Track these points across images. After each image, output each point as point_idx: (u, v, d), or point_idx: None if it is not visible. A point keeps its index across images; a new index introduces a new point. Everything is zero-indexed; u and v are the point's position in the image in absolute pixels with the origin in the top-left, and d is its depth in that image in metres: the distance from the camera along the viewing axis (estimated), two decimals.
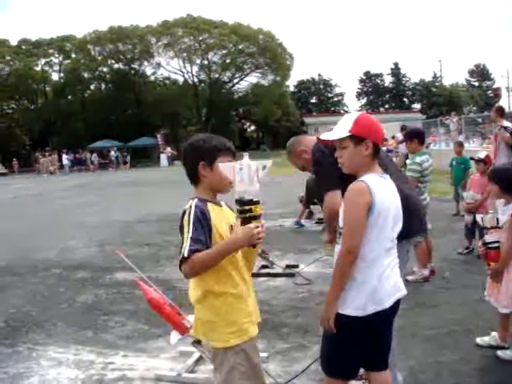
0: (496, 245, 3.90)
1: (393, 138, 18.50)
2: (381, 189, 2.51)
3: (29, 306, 6.01)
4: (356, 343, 2.59)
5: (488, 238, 3.97)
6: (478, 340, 4.22)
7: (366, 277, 2.52)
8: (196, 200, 2.43)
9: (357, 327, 2.54)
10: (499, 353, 4.01)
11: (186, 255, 2.30)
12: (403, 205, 2.87)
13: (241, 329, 2.46)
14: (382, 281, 2.53)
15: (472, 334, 4.45)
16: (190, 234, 2.32)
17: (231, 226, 2.46)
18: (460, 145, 11.01)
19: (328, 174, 3.13)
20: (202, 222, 2.36)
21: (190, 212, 2.37)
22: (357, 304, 2.51)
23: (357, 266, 2.50)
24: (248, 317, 2.50)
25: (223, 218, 2.49)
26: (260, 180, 2.37)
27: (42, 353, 4.58)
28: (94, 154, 46.00)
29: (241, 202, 2.34)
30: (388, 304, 2.55)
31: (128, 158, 46.82)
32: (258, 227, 2.31)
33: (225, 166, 2.38)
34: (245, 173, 2.34)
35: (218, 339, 2.45)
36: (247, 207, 2.33)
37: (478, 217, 4.11)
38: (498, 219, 4.00)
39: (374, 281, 2.52)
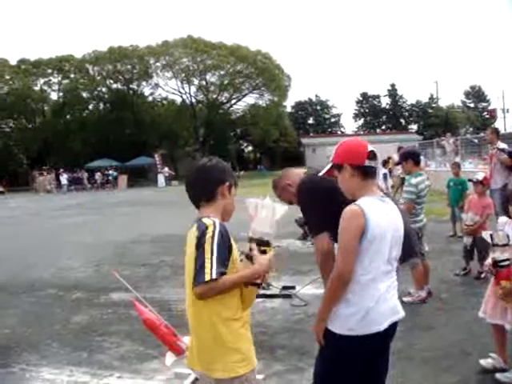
0: (507, 263, 3.85)
1: (389, 159, 18.54)
2: (377, 212, 2.50)
3: (23, 326, 5.95)
4: (348, 363, 2.57)
5: (499, 256, 3.89)
6: (482, 362, 4.16)
7: (360, 299, 2.51)
8: (217, 220, 2.34)
9: (349, 347, 2.54)
10: (498, 375, 3.97)
11: (214, 277, 2.19)
12: None
13: (247, 357, 2.35)
14: (377, 303, 2.52)
15: (470, 356, 4.43)
16: (216, 255, 2.22)
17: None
18: (457, 166, 11.05)
19: (311, 216, 3.15)
20: (225, 243, 2.30)
21: (213, 231, 2.26)
22: (349, 324, 2.51)
23: (350, 288, 2.50)
24: (251, 344, 2.42)
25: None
26: (276, 221, 2.46)
27: (35, 374, 4.53)
28: (98, 173, 46.28)
29: (261, 242, 2.42)
30: (383, 327, 2.53)
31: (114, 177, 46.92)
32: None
33: (250, 202, 2.48)
34: (266, 213, 2.43)
35: (224, 369, 2.31)
36: (264, 248, 2.41)
37: (486, 234, 4.05)
38: (508, 236, 3.95)
39: (368, 303, 2.51)
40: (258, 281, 2.38)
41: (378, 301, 2.52)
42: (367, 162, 2.57)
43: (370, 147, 2.62)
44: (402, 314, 2.67)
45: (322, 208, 3.15)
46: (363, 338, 2.50)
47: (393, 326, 2.62)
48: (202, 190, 2.46)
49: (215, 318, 2.31)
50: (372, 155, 2.58)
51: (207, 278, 2.19)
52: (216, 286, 2.22)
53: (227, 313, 2.33)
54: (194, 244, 2.28)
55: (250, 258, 2.38)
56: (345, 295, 2.51)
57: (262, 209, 2.41)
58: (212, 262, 2.21)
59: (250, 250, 2.40)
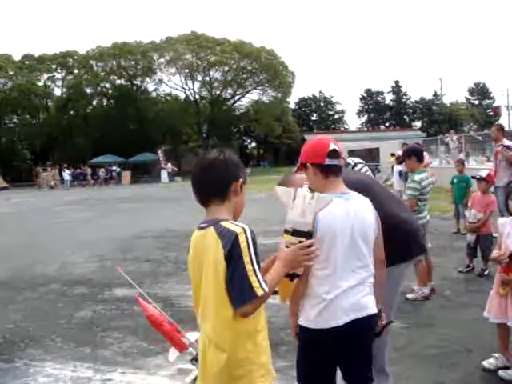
0: None
1: (392, 155, 18.49)
2: (330, 210, 2.49)
3: (27, 321, 5.97)
4: (311, 354, 2.68)
5: None
6: (484, 363, 4.14)
7: (318, 293, 2.59)
8: (245, 225, 2.10)
9: (310, 339, 2.65)
10: (501, 373, 3.97)
11: (267, 290, 2.03)
12: (400, 229, 3.09)
13: (268, 370, 2.19)
14: (335, 298, 2.57)
15: (473, 353, 4.42)
16: (257, 266, 2.04)
17: None
18: (461, 163, 11.01)
19: None
20: (257, 249, 2.10)
21: (246, 239, 2.05)
22: (309, 317, 2.61)
23: (310, 282, 2.59)
24: (270, 354, 2.25)
25: None
26: (314, 212, 2.30)
27: (39, 369, 4.55)
28: (102, 169, 46.49)
29: (299, 232, 2.28)
30: (342, 321, 2.57)
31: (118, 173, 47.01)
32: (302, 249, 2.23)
33: (283, 191, 2.36)
34: (299, 202, 2.29)
35: None
36: (302, 238, 2.28)
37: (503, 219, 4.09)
38: None
39: (325, 297, 2.58)
40: (294, 271, 2.28)
41: (336, 296, 2.57)
42: (327, 161, 2.63)
43: (333, 146, 2.67)
44: (369, 311, 2.66)
45: None
46: (322, 332, 2.58)
47: (359, 324, 2.62)
48: (215, 187, 2.19)
49: (244, 332, 2.12)
50: (332, 153, 2.64)
51: (260, 293, 2.01)
52: (265, 298, 2.06)
53: (251, 325, 2.14)
54: (221, 254, 2.04)
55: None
56: (306, 289, 2.61)
57: (300, 198, 2.28)
58: (257, 274, 2.03)
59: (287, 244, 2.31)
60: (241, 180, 2.22)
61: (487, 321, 4.23)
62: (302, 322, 2.65)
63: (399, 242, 3.21)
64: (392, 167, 18.38)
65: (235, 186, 2.20)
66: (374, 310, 2.68)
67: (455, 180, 10.37)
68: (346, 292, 2.59)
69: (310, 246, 2.26)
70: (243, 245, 2.03)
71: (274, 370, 2.27)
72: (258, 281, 2.02)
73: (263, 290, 2.02)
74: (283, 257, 2.21)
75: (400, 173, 17.54)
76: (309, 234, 2.29)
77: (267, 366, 2.19)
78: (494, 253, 4.11)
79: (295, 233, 2.26)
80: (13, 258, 10.24)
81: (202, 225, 2.19)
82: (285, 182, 3.61)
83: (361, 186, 2.99)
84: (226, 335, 2.09)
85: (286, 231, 2.28)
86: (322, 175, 2.66)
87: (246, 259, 2.02)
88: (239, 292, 2.02)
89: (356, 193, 2.73)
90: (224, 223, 2.10)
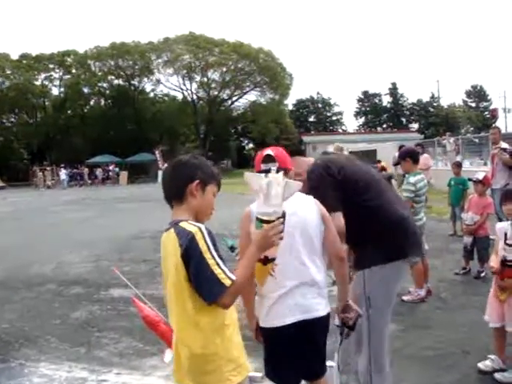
0: None
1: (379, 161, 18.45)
2: None
3: (22, 321, 5.95)
4: (267, 351, 2.80)
5: (509, 256, 3.94)
6: (480, 365, 4.14)
7: (264, 292, 2.73)
8: (200, 224, 2.18)
9: (264, 337, 2.78)
10: (497, 375, 3.96)
11: (234, 278, 2.08)
12: (399, 226, 3.14)
13: (240, 365, 2.23)
14: (280, 298, 2.68)
15: (469, 355, 4.42)
16: (218, 259, 2.10)
17: None
18: (458, 165, 11.02)
19: (325, 197, 3.07)
20: (216, 245, 2.16)
21: (203, 236, 2.11)
22: (261, 317, 2.76)
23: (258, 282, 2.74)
24: (243, 349, 2.30)
25: None
26: (283, 198, 2.27)
27: (33, 369, 4.53)
28: (99, 169, 46.32)
29: (268, 221, 2.22)
30: (289, 320, 2.66)
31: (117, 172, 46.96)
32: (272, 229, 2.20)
33: (251, 176, 2.32)
34: (272, 188, 2.23)
35: (218, 380, 2.18)
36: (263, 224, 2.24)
37: (501, 231, 4.09)
38: None
39: (271, 297, 2.69)
40: (266, 256, 2.31)
41: (281, 295, 2.67)
42: (262, 166, 2.83)
43: (269, 152, 2.87)
44: (317, 313, 2.72)
45: (335, 188, 3.13)
46: (270, 330, 2.72)
47: (306, 325, 2.68)
48: (172, 189, 2.31)
49: (208, 327, 2.16)
50: (266, 159, 2.84)
51: (228, 282, 2.07)
52: (237, 287, 2.10)
53: (217, 320, 2.18)
54: (178, 253, 2.11)
55: None
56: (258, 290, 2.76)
57: (274, 185, 2.25)
58: (221, 267, 2.09)
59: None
60: (196, 181, 2.26)
61: (483, 323, 4.24)
62: (259, 321, 2.78)
63: (397, 238, 3.21)
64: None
65: (190, 188, 2.25)
66: (322, 312, 2.74)
67: (452, 182, 10.39)
68: (291, 291, 2.68)
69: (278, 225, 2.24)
70: (201, 242, 2.10)
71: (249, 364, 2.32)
72: (224, 272, 2.08)
73: (230, 279, 2.08)
74: (254, 239, 2.23)
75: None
76: (283, 217, 2.26)
77: (239, 360, 2.23)
78: (491, 263, 4.16)
79: (265, 221, 2.23)
80: (9, 257, 10.21)
81: (167, 226, 2.27)
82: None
83: (370, 176, 3.25)
84: (190, 331, 2.16)
85: (257, 219, 2.26)
86: None
87: (207, 255, 2.09)
88: (208, 287, 2.08)
89: (298, 193, 2.73)
90: (182, 224, 2.18)
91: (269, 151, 2.89)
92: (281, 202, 2.24)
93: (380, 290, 3.18)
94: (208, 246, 2.10)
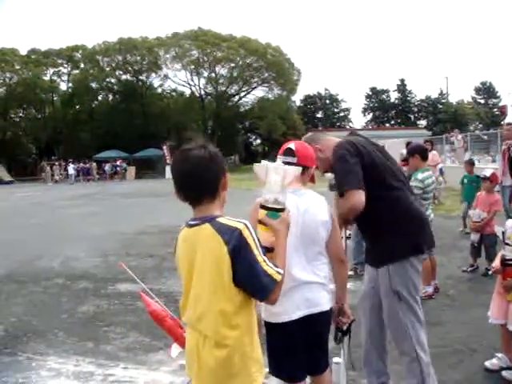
0: None
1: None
2: None
3: (30, 315, 5.99)
4: (270, 345, 2.80)
5: (509, 254, 3.91)
6: (487, 364, 4.13)
7: None
8: (245, 221, 2.10)
9: (268, 331, 2.78)
10: (504, 373, 3.95)
11: (282, 272, 2.07)
12: (418, 218, 3.17)
13: (262, 365, 2.19)
14: (285, 292, 2.61)
15: (476, 353, 4.41)
16: (264, 257, 2.06)
17: None
18: (471, 163, 10.90)
19: (349, 172, 3.03)
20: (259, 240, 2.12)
21: (250, 232, 2.05)
22: (267, 311, 2.74)
23: None
24: (260, 349, 2.22)
25: None
26: (284, 185, 2.28)
27: (41, 363, 4.56)
28: (108, 164, 46.51)
29: (274, 209, 2.25)
30: (295, 316, 2.68)
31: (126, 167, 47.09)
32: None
33: (259, 167, 2.31)
34: (276, 177, 2.25)
35: (247, 382, 2.11)
36: (280, 213, 2.26)
37: (499, 230, 4.05)
38: None
39: None
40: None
41: (287, 290, 2.60)
42: (281, 158, 2.83)
43: (290, 145, 2.86)
44: (322, 308, 2.75)
45: (360, 167, 3.07)
46: (275, 326, 2.73)
47: (311, 320, 2.71)
48: (208, 184, 2.13)
49: (244, 327, 2.10)
50: (287, 152, 2.84)
51: (279, 277, 2.05)
52: (283, 280, 2.09)
53: (249, 320, 2.13)
54: (224, 251, 2.01)
55: (262, 223, 2.27)
56: None
57: (272, 172, 2.26)
58: (268, 264, 2.05)
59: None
60: (227, 174, 2.18)
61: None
62: (262, 315, 2.77)
63: (417, 231, 3.19)
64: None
65: (224, 181, 2.16)
66: (326, 306, 2.77)
67: (465, 180, 10.30)
68: (296, 287, 2.69)
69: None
70: (249, 239, 2.02)
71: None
72: (272, 268, 2.04)
73: (279, 273, 2.06)
74: (280, 230, 2.21)
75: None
76: (282, 208, 2.27)
77: (261, 360, 2.19)
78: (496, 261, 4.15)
79: (269, 208, 2.25)
80: (16, 251, 10.26)
81: (192, 222, 2.14)
82: (312, 140, 3.39)
83: (392, 165, 3.24)
84: (227, 332, 2.06)
85: (263, 206, 2.27)
86: None
87: (256, 252, 2.02)
88: (262, 285, 2.03)
89: (311, 191, 2.83)
90: (221, 219, 2.07)
91: (291, 144, 2.87)
92: (281, 189, 2.25)
93: (407, 283, 3.16)
94: (256, 243, 2.04)
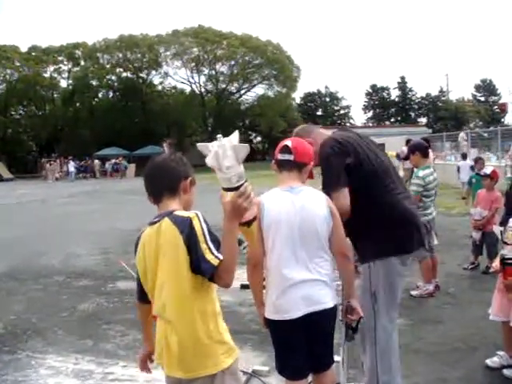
0: None
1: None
2: (274, 202, 2.76)
3: (29, 313, 5.98)
4: (274, 342, 2.81)
5: (508, 253, 3.89)
6: (488, 362, 4.11)
7: (269, 285, 2.75)
8: (197, 211, 2.23)
9: (271, 328, 2.79)
10: (505, 371, 3.94)
11: (221, 257, 2.11)
12: (404, 218, 3.08)
13: (231, 346, 2.29)
14: (285, 290, 2.66)
15: (477, 351, 4.40)
16: (210, 244, 2.15)
17: None
18: (482, 163, 10.81)
19: (332, 171, 3.01)
20: (210, 229, 2.20)
21: (199, 220, 2.18)
22: (268, 309, 2.76)
23: (265, 274, 2.77)
24: (228, 334, 2.34)
25: None
26: (237, 162, 2.16)
27: (41, 361, 4.55)
28: (108, 162, 46.53)
29: (232, 189, 2.15)
30: (295, 314, 2.66)
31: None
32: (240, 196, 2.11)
33: (202, 147, 2.21)
34: (221, 155, 2.13)
35: (214, 363, 2.22)
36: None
37: (497, 229, 4.03)
38: None
39: (275, 289, 2.71)
40: (243, 220, 2.22)
41: (286, 288, 2.65)
42: (279, 156, 2.85)
43: (288, 142, 2.85)
44: (323, 305, 2.70)
45: (344, 166, 3.02)
46: (277, 323, 2.72)
47: (313, 317, 2.68)
48: (167, 183, 2.34)
49: (206, 314, 2.23)
50: (284, 149, 2.82)
51: (216, 262, 2.11)
52: (227, 263, 2.11)
53: (213, 307, 2.26)
54: (181, 240, 2.15)
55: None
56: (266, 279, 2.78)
57: (219, 152, 2.13)
58: (211, 250, 2.13)
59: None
60: (190, 178, 2.37)
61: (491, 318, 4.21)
62: (265, 312, 2.78)
63: (402, 232, 3.10)
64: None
65: (184, 184, 2.34)
66: (330, 303, 2.72)
67: (474, 180, 10.17)
68: (296, 285, 2.67)
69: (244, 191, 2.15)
70: (197, 227, 2.16)
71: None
72: (212, 253, 2.13)
73: (217, 258, 2.12)
74: (225, 212, 2.16)
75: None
76: (239, 186, 2.15)
77: (230, 343, 2.29)
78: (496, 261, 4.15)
79: (230, 189, 2.16)
80: (16, 249, 10.26)
81: (155, 219, 2.31)
82: (304, 132, 3.35)
83: (381, 163, 3.16)
84: (188, 317, 2.21)
85: (223, 189, 2.19)
86: (278, 169, 2.88)
87: (201, 239, 2.14)
88: (201, 270, 2.13)
89: (309, 187, 2.81)
90: (177, 212, 2.24)
91: (288, 142, 2.85)
92: (235, 164, 2.15)
93: (385, 284, 3.09)
94: (203, 230, 2.16)
